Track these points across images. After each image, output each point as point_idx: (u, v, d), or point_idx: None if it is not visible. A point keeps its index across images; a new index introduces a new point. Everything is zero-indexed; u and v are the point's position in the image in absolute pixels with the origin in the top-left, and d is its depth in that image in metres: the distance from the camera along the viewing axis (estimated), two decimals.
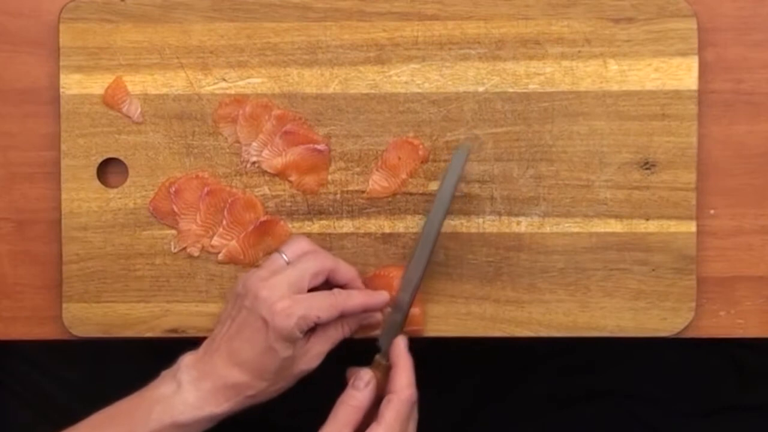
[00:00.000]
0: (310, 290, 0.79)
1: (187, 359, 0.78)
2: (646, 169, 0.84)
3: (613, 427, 1.07)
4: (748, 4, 0.85)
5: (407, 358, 0.79)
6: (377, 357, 0.80)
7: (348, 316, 0.80)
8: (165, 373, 0.78)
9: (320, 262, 0.80)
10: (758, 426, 1.06)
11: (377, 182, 0.85)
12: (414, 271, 0.80)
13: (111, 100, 0.85)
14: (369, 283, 0.84)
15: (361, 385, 0.78)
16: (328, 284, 0.81)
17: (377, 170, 0.85)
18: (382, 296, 0.82)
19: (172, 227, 0.86)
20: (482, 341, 0.86)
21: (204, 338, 0.82)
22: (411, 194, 0.85)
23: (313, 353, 0.79)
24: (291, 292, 0.77)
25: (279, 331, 0.76)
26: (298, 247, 0.81)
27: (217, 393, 0.77)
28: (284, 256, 0.80)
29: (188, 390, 0.76)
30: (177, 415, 0.76)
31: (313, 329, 0.79)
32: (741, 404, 1.07)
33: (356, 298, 0.80)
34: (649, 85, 0.84)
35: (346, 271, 0.81)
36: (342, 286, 0.81)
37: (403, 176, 0.84)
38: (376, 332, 0.82)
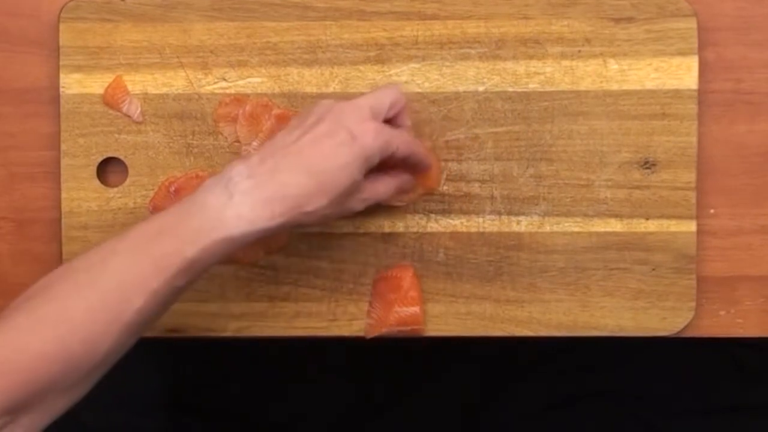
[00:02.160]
0: None
1: (238, 167, 0.72)
2: (646, 168, 0.84)
3: (613, 427, 1.07)
4: (748, 4, 0.85)
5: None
6: None
7: (410, 163, 0.79)
8: (211, 183, 0.73)
9: (397, 94, 0.78)
10: (758, 426, 1.06)
11: None
12: None
13: (111, 100, 0.85)
14: (377, 285, 0.85)
15: None
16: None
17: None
18: (433, 159, 0.83)
19: None
20: (482, 341, 0.86)
21: (203, 339, 0.82)
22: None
23: (363, 196, 0.77)
24: (373, 116, 0.75)
25: (365, 148, 0.73)
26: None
27: (274, 204, 0.71)
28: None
29: (241, 201, 0.71)
30: (229, 229, 0.71)
31: (366, 176, 0.77)
32: (741, 404, 1.07)
33: (420, 147, 0.80)
34: (649, 85, 0.84)
35: (408, 117, 0.81)
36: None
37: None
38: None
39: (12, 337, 0.68)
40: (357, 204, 0.77)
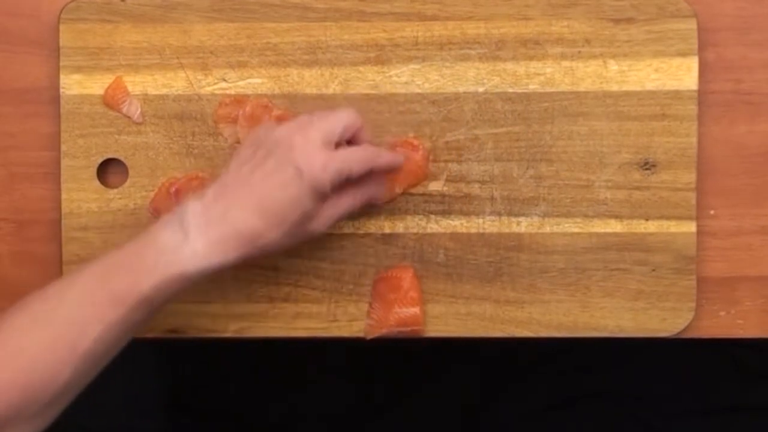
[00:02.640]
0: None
1: (193, 205, 0.74)
2: (646, 169, 0.84)
3: (613, 428, 1.07)
4: (748, 4, 0.85)
5: None
6: None
7: (373, 173, 0.79)
8: (167, 219, 0.74)
9: (351, 117, 0.78)
10: (758, 426, 1.06)
11: None
12: None
13: (111, 101, 0.85)
14: (377, 286, 0.85)
15: None
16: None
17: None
18: (400, 158, 0.82)
19: None
20: (482, 342, 0.86)
21: (203, 339, 0.82)
22: (411, 194, 0.85)
23: (325, 216, 0.77)
24: (324, 145, 0.75)
25: (314, 182, 0.74)
26: (327, 111, 0.79)
27: (228, 241, 0.73)
28: (312, 116, 0.78)
29: (196, 239, 0.72)
30: (184, 266, 0.72)
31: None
32: (741, 404, 1.07)
33: (385, 156, 0.80)
34: (649, 86, 0.84)
35: (365, 133, 0.80)
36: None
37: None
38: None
39: None
40: (318, 226, 0.77)
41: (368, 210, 0.85)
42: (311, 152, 0.74)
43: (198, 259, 0.72)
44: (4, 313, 0.72)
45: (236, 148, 0.85)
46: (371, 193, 0.81)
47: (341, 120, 0.77)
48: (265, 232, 0.74)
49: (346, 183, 0.77)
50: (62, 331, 0.71)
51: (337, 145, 0.77)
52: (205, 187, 0.76)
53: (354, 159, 0.77)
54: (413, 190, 0.85)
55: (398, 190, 0.84)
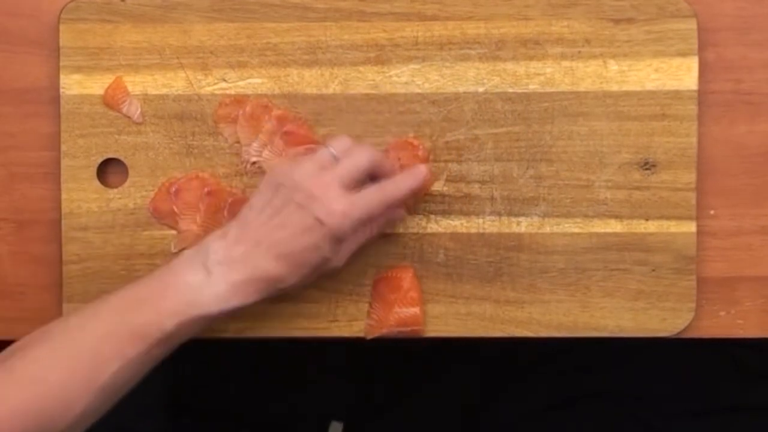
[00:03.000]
0: None
1: (216, 245, 0.75)
2: (646, 169, 0.84)
3: (613, 428, 1.07)
4: (748, 4, 0.85)
5: None
6: None
7: (379, 216, 0.79)
8: (190, 256, 0.76)
9: (370, 157, 0.78)
10: (758, 426, 1.06)
11: None
12: None
13: (111, 100, 0.85)
14: (377, 286, 0.85)
15: None
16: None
17: None
18: (421, 171, 0.81)
19: (172, 227, 0.86)
20: (482, 342, 0.86)
21: (203, 339, 0.82)
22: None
23: (344, 253, 0.78)
24: (344, 191, 0.76)
25: (334, 233, 0.75)
26: (343, 142, 0.79)
27: (249, 285, 0.75)
28: (332, 150, 0.78)
29: (218, 282, 0.74)
30: (206, 307, 0.74)
31: None
32: (741, 404, 1.07)
33: (403, 185, 0.80)
34: (649, 86, 0.84)
35: (387, 164, 0.80)
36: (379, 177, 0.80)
37: None
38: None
39: None
40: (337, 263, 0.78)
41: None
42: (332, 200, 0.75)
43: (220, 301, 0.74)
44: (25, 339, 0.74)
45: (237, 146, 0.85)
46: (387, 221, 0.82)
47: (361, 162, 0.78)
48: (286, 277, 0.76)
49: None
50: (81, 364, 0.72)
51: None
52: (227, 225, 0.77)
53: (374, 202, 0.77)
54: None
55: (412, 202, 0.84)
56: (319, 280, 0.80)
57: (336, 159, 0.78)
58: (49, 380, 0.71)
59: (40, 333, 0.74)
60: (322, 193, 0.75)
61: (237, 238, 0.76)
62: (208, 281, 0.74)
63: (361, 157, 0.78)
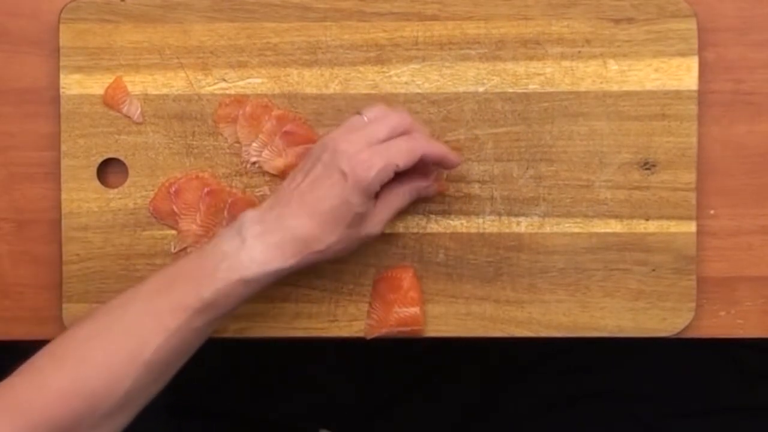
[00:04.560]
0: None
1: (250, 214, 0.76)
2: (646, 169, 0.84)
3: (613, 427, 1.07)
4: (748, 4, 0.85)
5: None
6: None
7: (421, 167, 0.79)
8: (225, 231, 0.77)
9: (399, 118, 0.78)
10: (758, 426, 1.06)
11: None
12: None
13: (111, 100, 0.85)
14: (377, 286, 0.85)
15: None
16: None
17: None
18: (456, 156, 0.81)
19: (172, 227, 0.86)
20: (482, 341, 0.86)
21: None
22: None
23: (378, 219, 0.78)
24: (368, 145, 0.76)
25: (359, 182, 0.74)
26: (378, 109, 0.79)
27: (285, 246, 0.75)
28: (364, 117, 0.78)
29: (253, 245, 0.74)
30: (243, 271, 0.74)
31: (377, 195, 0.78)
32: (741, 404, 1.07)
33: (436, 145, 0.79)
34: (649, 86, 0.84)
35: (421, 129, 0.80)
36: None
37: None
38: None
39: (33, 377, 0.72)
40: (373, 228, 0.78)
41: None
42: (354, 153, 0.75)
43: (256, 264, 0.74)
44: (68, 330, 0.75)
45: (237, 146, 0.85)
46: (421, 188, 0.82)
47: (390, 122, 0.77)
48: (320, 236, 0.75)
49: (395, 180, 0.77)
50: (124, 341, 0.73)
51: None
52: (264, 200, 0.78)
53: (399, 151, 0.76)
54: None
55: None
56: (358, 247, 0.79)
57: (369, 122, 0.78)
58: (94, 359, 0.72)
59: (84, 317, 0.75)
60: (346, 147, 0.75)
61: (270, 205, 0.76)
62: (243, 246, 0.74)
63: (390, 118, 0.77)
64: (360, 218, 0.77)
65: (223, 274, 0.74)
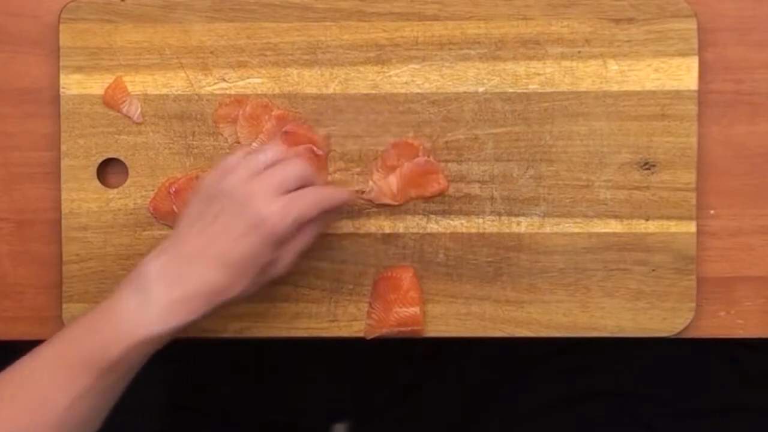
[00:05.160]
0: None
1: (151, 265, 0.73)
2: (646, 169, 0.84)
3: (613, 427, 1.07)
4: (748, 4, 0.85)
5: None
6: None
7: (324, 214, 0.79)
8: (126, 283, 0.74)
9: (302, 166, 0.78)
10: (758, 426, 1.06)
11: (385, 190, 0.85)
12: None
13: (111, 100, 0.85)
14: (377, 286, 0.85)
15: None
16: None
17: (377, 170, 0.85)
18: (351, 194, 0.83)
19: (172, 227, 0.86)
20: (482, 341, 0.86)
21: (203, 339, 0.82)
22: (411, 195, 0.85)
23: (286, 258, 0.77)
24: (280, 193, 0.75)
25: (272, 235, 0.74)
26: (275, 150, 0.78)
27: (192, 300, 0.72)
28: (262, 157, 0.77)
29: (158, 302, 0.72)
30: (150, 328, 0.72)
31: None
32: (741, 404, 1.07)
33: (338, 195, 0.80)
34: (649, 86, 0.84)
35: (320, 179, 0.81)
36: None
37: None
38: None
39: None
40: (281, 269, 0.77)
41: (368, 210, 0.85)
42: (266, 203, 0.74)
43: (162, 321, 0.72)
44: None
45: (237, 146, 0.85)
46: (326, 223, 0.81)
47: (293, 171, 0.77)
48: (228, 287, 0.74)
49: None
50: (32, 400, 0.71)
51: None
52: (162, 243, 0.75)
53: (309, 204, 0.76)
54: (414, 192, 0.85)
55: (413, 194, 0.84)
56: (264, 287, 0.77)
57: (266, 166, 0.77)
58: (2, 425, 0.70)
59: None
60: (255, 197, 0.74)
61: (172, 255, 0.74)
62: (148, 302, 0.72)
63: (293, 166, 0.77)
64: (269, 264, 0.76)
65: (128, 333, 0.71)
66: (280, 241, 0.75)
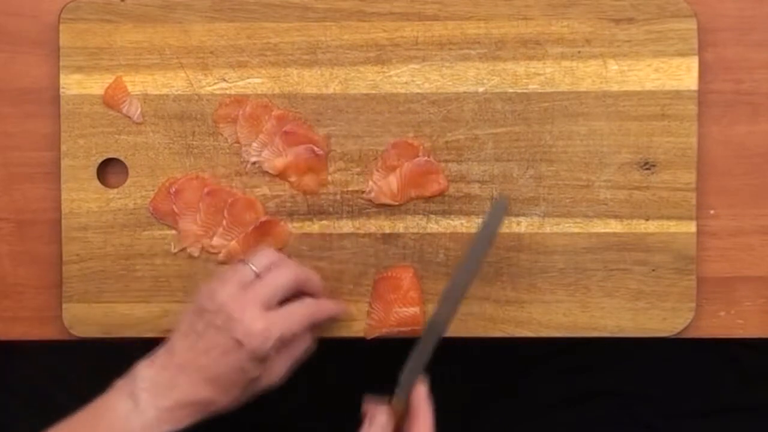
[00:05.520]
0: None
1: (143, 372, 0.75)
2: (646, 169, 0.84)
3: (613, 427, 1.07)
4: (748, 4, 0.85)
5: (428, 408, 0.76)
6: (396, 393, 0.77)
7: (314, 327, 0.80)
8: (119, 385, 0.76)
9: (292, 275, 0.79)
10: (758, 426, 1.06)
11: (385, 190, 0.85)
12: (444, 311, 0.77)
13: (111, 100, 0.85)
14: (377, 286, 0.85)
15: (378, 428, 0.75)
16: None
17: (377, 170, 0.85)
18: (344, 307, 0.83)
19: (172, 227, 0.86)
20: (482, 341, 0.86)
21: None
22: (411, 195, 0.85)
23: (277, 370, 0.78)
24: (264, 310, 0.76)
25: (255, 353, 0.75)
26: (265, 258, 0.80)
27: (179, 410, 0.75)
28: (252, 266, 0.79)
29: (146, 409, 0.74)
30: None
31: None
32: (741, 404, 1.07)
33: (326, 308, 0.81)
34: (649, 86, 0.84)
35: (315, 282, 0.81)
36: (306, 294, 0.81)
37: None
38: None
39: None
40: (273, 380, 0.78)
41: (368, 210, 0.85)
42: (250, 321, 0.75)
43: (149, 429, 0.74)
44: None
45: (237, 146, 0.85)
46: (319, 332, 0.82)
47: (282, 281, 0.78)
48: (214, 399, 0.76)
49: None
50: None
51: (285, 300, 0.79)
52: (156, 351, 0.77)
53: (294, 320, 0.77)
54: (414, 192, 0.85)
55: (413, 194, 0.85)
56: (255, 397, 0.79)
57: (257, 276, 0.78)
58: None
59: None
60: (240, 314, 0.75)
61: (163, 364, 0.76)
62: (137, 409, 0.74)
63: (282, 276, 0.78)
64: (256, 379, 0.77)
65: None
66: (264, 358, 0.76)
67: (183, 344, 0.76)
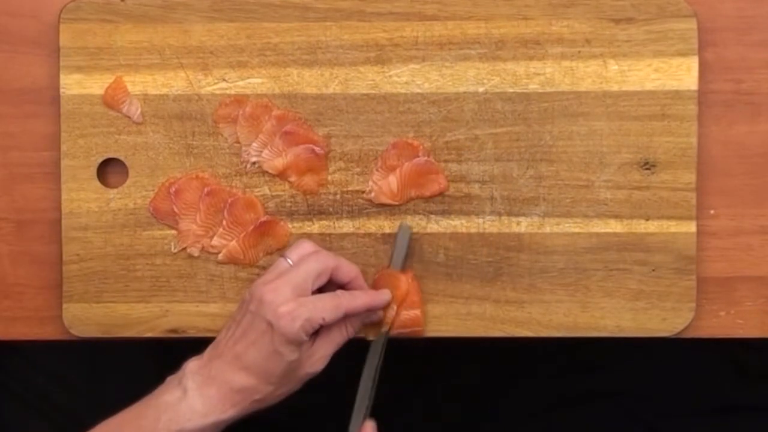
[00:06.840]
0: (315, 291, 0.79)
1: (191, 365, 0.78)
2: (646, 169, 0.84)
3: (613, 427, 1.07)
4: (748, 4, 0.85)
5: None
6: None
7: (352, 316, 0.80)
8: (170, 379, 0.78)
9: (323, 263, 0.79)
10: (758, 426, 1.06)
11: (385, 190, 0.85)
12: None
13: (111, 100, 0.85)
14: (375, 285, 0.85)
15: None
16: (332, 283, 0.81)
17: (377, 170, 0.85)
18: (384, 295, 0.82)
19: (172, 227, 0.86)
20: (482, 341, 0.86)
21: (204, 339, 0.82)
22: (411, 195, 0.85)
23: (318, 356, 0.79)
24: (295, 295, 0.77)
25: (284, 334, 0.76)
26: (301, 249, 0.81)
27: (223, 398, 0.76)
28: (288, 260, 0.80)
29: (194, 397, 0.76)
30: (184, 423, 0.75)
31: (317, 332, 0.79)
32: (741, 404, 1.07)
33: (359, 299, 0.80)
34: (649, 86, 0.84)
35: (348, 270, 0.81)
36: (344, 285, 0.81)
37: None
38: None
39: None
40: (314, 367, 0.79)
41: (368, 210, 0.85)
42: (278, 305, 0.76)
43: (197, 415, 0.76)
44: None
45: (237, 146, 0.85)
46: (363, 321, 0.82)
47: (312, 267, 0.79)
48: (256, 386, 0.77)
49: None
50: None
51: (323, 288, 0.80)
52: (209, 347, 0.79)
53: (323, 305, 0.78)
54: (414, 192, 0.85)
55: (413, 194, 0.85)
56: (301, 385, 0.80)
57: (294, 263, 0.80)
58: None
59: None
60: (271, 298, 0.77)
61: (209, 355, 0.78)
62: (185, 397, 0.76)
63: (311, 262, 0.79)
64: (295, 364, 0.78)
65: (164, 425, 0.75)
66: (295, 341, 0.77)
67: (224, 335, 0.79)
